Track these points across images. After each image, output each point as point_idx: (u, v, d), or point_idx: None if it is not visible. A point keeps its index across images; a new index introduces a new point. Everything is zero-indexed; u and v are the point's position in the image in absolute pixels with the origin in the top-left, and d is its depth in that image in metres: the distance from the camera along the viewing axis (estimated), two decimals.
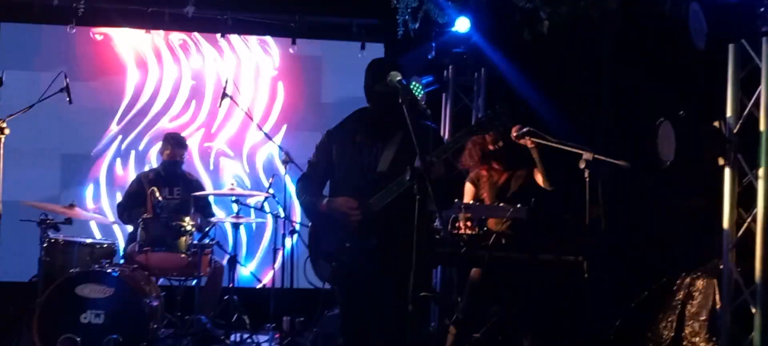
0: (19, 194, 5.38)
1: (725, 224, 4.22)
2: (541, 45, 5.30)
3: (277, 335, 5.35)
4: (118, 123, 6.59)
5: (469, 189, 4.75)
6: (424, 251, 2.77)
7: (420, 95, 5.83)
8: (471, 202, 4.50)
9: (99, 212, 6.14)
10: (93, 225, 6.28)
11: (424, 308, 3.86)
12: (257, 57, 6.78)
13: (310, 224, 3.40)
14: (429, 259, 3.43)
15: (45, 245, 4.88)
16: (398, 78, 2.97)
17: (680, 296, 4.50)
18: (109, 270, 4.71)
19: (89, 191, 6.49)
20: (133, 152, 6.59)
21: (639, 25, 5.15)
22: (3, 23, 6.39)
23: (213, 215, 5.79)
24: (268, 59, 6.80)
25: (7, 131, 4.58)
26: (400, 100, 2.90)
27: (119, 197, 5.98)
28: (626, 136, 5.08)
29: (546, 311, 4.44)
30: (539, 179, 4.45)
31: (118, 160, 6.57)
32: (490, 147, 4.61)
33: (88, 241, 5.13)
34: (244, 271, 5.68)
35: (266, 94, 6.78)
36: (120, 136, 6.59)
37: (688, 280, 4.53)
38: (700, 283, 4.45)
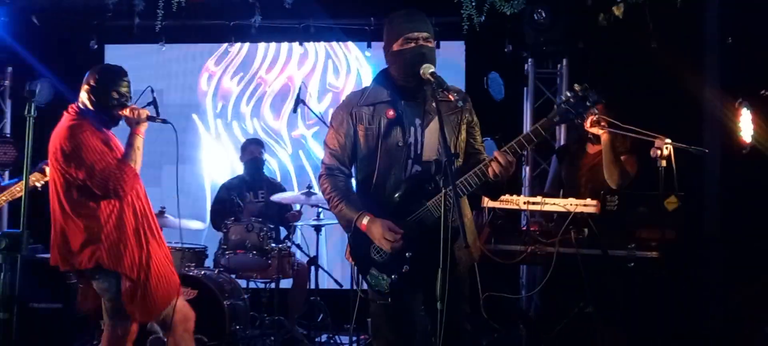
0: None
1: None
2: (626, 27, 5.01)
3: (362, 336, 5.38)
4: (208, 130, 6.92)
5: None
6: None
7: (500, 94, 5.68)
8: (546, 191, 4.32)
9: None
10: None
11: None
12: (336, 61, 6.88)
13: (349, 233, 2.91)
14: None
15: None
16: (431, 70, 2.72)
17: None
18: (192, 273, 4.92)
19: (189, 197, 6.82)
20: (227, 158, 6.86)
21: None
22: (107, 45, 6.89)
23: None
24: (345, 63, 6.89)
25: None
26: (431, 94, 2.73)
27: None
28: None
29: (631, 305, 4.15)
30: (607, 174, 4.11)
31: (212, 167, 6.87)
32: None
33: (179, 245, 5.38)
34: (326, 273, 5.76)
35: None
36: (213, 144, 6.91)
37: None
38: None
